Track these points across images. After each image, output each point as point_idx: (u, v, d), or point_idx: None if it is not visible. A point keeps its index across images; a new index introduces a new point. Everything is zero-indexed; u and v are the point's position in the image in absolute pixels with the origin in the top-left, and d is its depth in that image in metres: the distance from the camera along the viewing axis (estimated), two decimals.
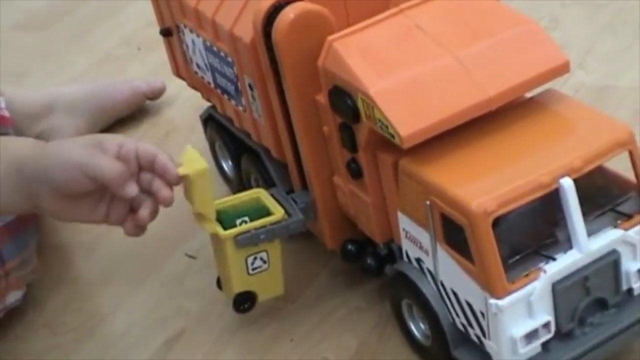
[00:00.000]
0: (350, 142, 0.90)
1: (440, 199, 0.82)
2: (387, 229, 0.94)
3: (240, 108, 1.05)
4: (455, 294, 0.86)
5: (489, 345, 0.84)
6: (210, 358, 1.03)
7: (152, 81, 1.43)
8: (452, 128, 0.85)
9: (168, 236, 1.18)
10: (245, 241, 0.95)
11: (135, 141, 0.92)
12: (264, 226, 0.96)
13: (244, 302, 1.00)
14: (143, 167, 0.91)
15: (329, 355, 1.00)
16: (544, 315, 0.82)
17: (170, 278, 1.14)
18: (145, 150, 0.91)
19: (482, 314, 0.83)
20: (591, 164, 0.83)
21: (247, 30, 0.94)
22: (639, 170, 0.85)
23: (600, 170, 0.85)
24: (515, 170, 0.82)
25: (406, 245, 0.91)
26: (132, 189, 0.89)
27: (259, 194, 0.99)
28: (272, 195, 0.98)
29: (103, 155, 0.89)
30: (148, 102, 1.44)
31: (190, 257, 1.16)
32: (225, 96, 1.08)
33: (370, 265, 0.98)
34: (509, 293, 0.80)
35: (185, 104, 1.42)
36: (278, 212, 0.97)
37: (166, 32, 1.16)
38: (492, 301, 0.80)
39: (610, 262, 0.84)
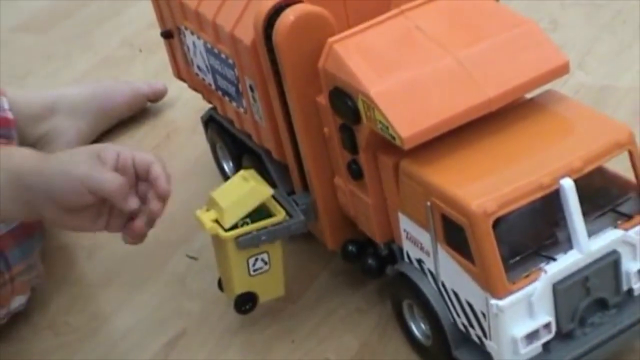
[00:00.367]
0: (350, 143, 0.90)
1: (441, 199, 0.82)
2: (387, 230, 0.94)
3: (241, 109, 1.05)
4: (456, 294, 0.86)
5: (490, 345, 0.84)
6: (211, 358, 1.03)
7: (154, 83, 1.43)
8: (453, 129, 0.85)
9: (169, 237, 1.18)
10: (246, 242, 0.96)
11: (130, 150, 0.93)
12: (265, 227, 0.96)
13: (245, 303, 1.00)
14: (140, 177, 0.92)
15: (330, 355, 1.00)
16: (545, 315, 0.82)
17: (172, 279, 1.14)
18: (141, 160, 0.92)
19: (483, 314, 0.83)
20: (591, 165, 0.83)
21: (247, 32, 0.95)
22: (639, 170, 0.85)
23: (600, 171, 0.85)
24: (516, 171, 0.82)
25: (407, 246, 0.91)
26: (133, 203, 0.91)
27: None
28: (273, 197, 0.98)
29: (103, 168, 0.90)
30: (149, 103, 1.44)
31: (192, 258, 1.16)
32: (226, 98, 1.08)
33: (371, 265, 0.98)
34: (510, 293, 0.81)
35: (186, 106, 1.42)
36: (279, 214, 0.97)
37: (167, 34, 1.16)
38: (493, 301, 0.81)
39: (611, 263, 0.84)
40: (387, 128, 0.84)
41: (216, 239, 0.97)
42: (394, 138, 0.84)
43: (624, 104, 1.25)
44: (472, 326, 0.86)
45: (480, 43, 0.88)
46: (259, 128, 1.04)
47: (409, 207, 0.88)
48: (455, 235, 0.82)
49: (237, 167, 1.16)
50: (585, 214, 0.83)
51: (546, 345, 0.84)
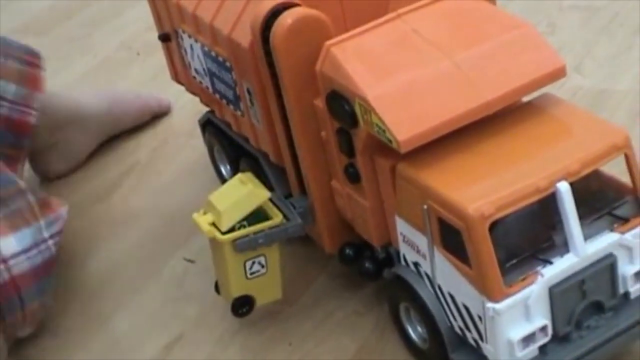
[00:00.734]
0: (347, 146, 0.90)
1: (438, 203, 0.82)
2: (385, 233, 0.94)
3: (239, 113, 1.05)
4: (452, 297, 0.86)
5: (487, 348, 0.84)
6: None
7: (162, 99, 1.43)
8: (450, 132, 0.85)
9: (167, 240, 1.18)
10: (243, 245, 0.96)
11: None
12: (262, 230, 0.96)
13: (243, 306, 1.00)
14: None
15: (327, 358, 1.00)
16: (541, 318, 0.82)
17: (169, 282, 1.14)
18: None
19: (480, 317, 0.83)
20: (588, 168, 0.83)
21: (245, 35, 0.95)
22: (635, 174, 0.85)
23: (596, 174, 0.85)
24: (512, 174, 0.82)
25: (404, 249, 0.91)
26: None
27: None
28: (271, 200, 0.99)
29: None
30: None
31: (189, 261, 1.16)
32: (224, 101, 1.08)
33: (368, 268, 0.98)
34: (506, 296, 0.81)
35: (183, 109, 1.42)
36: (276, 217, 0.97)
37: (165, 38, 1.17)
38: (490, 305, 0.81)
39: (607, 266, 0.84)
40: (384, 131, 0.84)
41: (213, 242, 0.97)
42: (390, 141, 0.84)
43: (622, 107, 1.25)
44: (468, 329, 0.86)
45: (477, 46, 0.88)
46: (257, 131, 1.04)
47: (406, 210, 0.88)
48: (451, 238, 0.82)
49: (235, 170, 1.16)
50: (582, 217, 0.83)
51: (543, 349, 0.84)
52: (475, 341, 0.85)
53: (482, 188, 0.82)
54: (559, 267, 0.82)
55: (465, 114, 0.85)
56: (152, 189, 1.30)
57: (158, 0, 1.14)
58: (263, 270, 0.99)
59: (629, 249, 0.85)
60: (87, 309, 1.14)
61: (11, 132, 1.18)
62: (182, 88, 1.22)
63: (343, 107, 0.87)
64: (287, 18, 0.89)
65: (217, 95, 1.09)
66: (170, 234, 1.19)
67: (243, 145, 1.11)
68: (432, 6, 0.91)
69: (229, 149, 1.17)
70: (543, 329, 0.83)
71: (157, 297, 1.13)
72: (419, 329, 0.94)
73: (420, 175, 0.85)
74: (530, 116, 0.89)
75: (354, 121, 0.87)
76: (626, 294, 0.87)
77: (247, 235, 0.96)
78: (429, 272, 0.88)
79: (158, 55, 1.25)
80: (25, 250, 1.03)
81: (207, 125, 1.20)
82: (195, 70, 1.12)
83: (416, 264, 0.90)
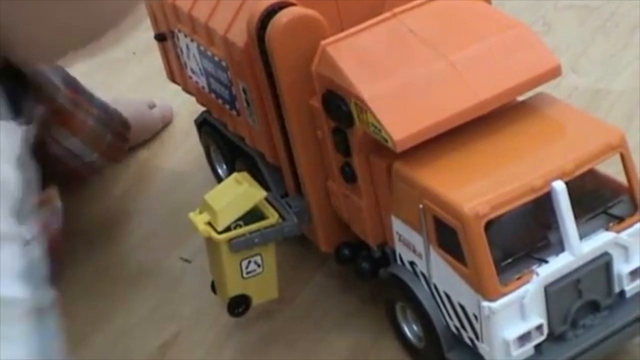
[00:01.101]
0: (343, 146, 0.90)
1: (433, 202, 0.82)
2: (380, 232, 0.94)
3: (235, 112, 1.05)
4: (448, 296, 0.86)
5: (482, 347, 0.84)
6: None
7: (167, 116, 1.41)
8: (445, 131, 0.85)
9: (163, 240, 1.18)
10: (239, 245, 0.96)
11: None
12: (258, 230, 0.96)
13: (239, 305, 1.00)
14: None
15: (324, 357, 1.00)
16: (537, 317, 0.83)
17: (166, 282, 1.14)
18: None
19: (475, 316, 0.83)
20: (583, 167, 0.83)
21: (240, 35, 0.95)
22: (631, 173, 0.86)
23: (592, 174, 0.86)
24: (508, 174, 0.83)
25: (400, 249, 0.91)
26: None
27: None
28: (266, 199, 0.99)
29: None
30: None
31: (185, 260, 1.16)
32: (220, 101, 1.08)
33: (364, 268, 0.98)
34: (502, 295, 0.81)
35: (179, 109, 1.42)
36: (272, 216, 0.97)
37: (160, 37, 1.17)
38: (485, 304, 0.81)
39: (602, 265, 0.85)
40: (380, 131, 0.84)
41: (209, 241, 0.97)
42: (386, 141, 0.84)
43: (617, 107, 1.25)
44: (464, 328, 0.86)
45: (472, 46, 0.88)
46: (252, 131, 1.04)
47: (402, 210, 0.88)
48: (447, 237, 0.82)
49: (231, 170, 1.16)
50: (577, 216, 0.83)
51: (538, 347, 0.84)
52: (471, 340, 0.86)
53: (477, 187, 0.82)
54: (555, 266, 0.82)
55: (460, 113, 0.85)
56: (148, 189, 1.30)
57: (154, 0, 1.14)
58: (259, 270, 0.99)
59: (624, 248, 0.85)
60: (82, 309, 1.13)
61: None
62: (178, 88, 1.22)
63: (339, 106, 0.87)
64: (282, 17, 0.89)
65: (213, 95, 1.09)
66: (166, 234, 1.18)
67: (239, 145, 1.11)
68: (427, 5, 0.91)
69: (225, 148, 1.17)
70: (538, 327, 0.83)
71: (153, 296, 1.13)
72: (415, 328, 0.94)
73: (416, 175, 0.85)
74: (525, 116, 0.89)
75: (349, 121, 0.87)
76: (622, 293, 0.87)
77: (243, 235, 0.96)
78: (425, 272, 0.88)
79: (154, 55, 1.25)
80: None
81: (203, 125, 1.20)
82: (191, 70, 1.12)
83: (412, 263, 0.90)
